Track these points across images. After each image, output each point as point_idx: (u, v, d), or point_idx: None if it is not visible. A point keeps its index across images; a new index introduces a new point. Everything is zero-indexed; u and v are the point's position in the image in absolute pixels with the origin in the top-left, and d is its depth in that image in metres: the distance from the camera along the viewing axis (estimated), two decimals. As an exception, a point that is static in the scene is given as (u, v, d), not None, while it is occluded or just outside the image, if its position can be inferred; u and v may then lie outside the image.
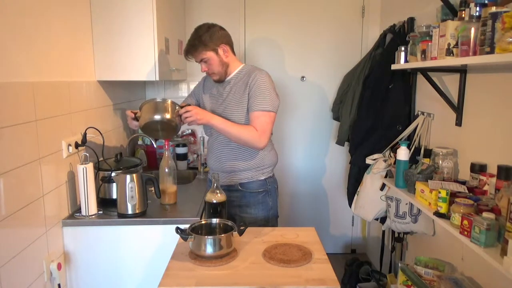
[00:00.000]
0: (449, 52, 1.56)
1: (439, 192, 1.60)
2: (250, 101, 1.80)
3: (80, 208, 1.81)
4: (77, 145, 1.84)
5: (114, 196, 1.93)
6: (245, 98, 1.81)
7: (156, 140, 2.77)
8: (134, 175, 1.81)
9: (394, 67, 2.17)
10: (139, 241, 1.81)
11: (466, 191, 1.62)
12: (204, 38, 1.78)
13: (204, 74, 1.91)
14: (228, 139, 1.85)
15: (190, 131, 3.13)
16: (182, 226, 1.54)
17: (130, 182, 1.80)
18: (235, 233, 1.47)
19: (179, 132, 3.15)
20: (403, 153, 2.00)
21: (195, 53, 1.80)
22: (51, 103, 1.67)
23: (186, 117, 1.74)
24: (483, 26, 1.30)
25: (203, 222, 1.56)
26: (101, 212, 1.86)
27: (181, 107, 1.78)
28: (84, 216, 1.79)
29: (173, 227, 1.53)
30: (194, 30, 1.82)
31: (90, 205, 1.80)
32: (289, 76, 3.13)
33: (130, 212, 1.81)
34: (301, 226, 1.77)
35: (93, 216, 1.81)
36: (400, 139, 2.35)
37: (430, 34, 1.73)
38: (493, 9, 1.26)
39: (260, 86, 1.79)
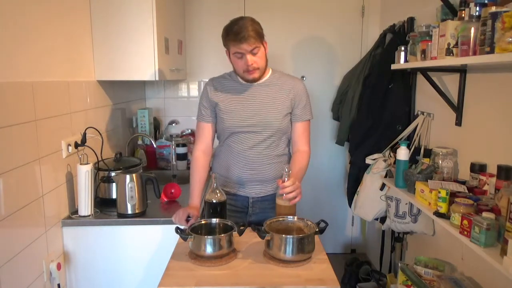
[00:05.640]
0: (449, 52, 1.56)
1: (439, 192, 1.60)
2: (298, 110, 1.77)
3: (77, 209, 1.81)
4: (76, 145, 1.84)
5: (114, 196, 1.93)
6: (285, 102, 1.75)
7: (156, 140, 2.78)
8: (134, 175, 1.81)
9: (394, 67, 2.17)
10: (139, 241, 1.80)
11: (466, 191, 1.62)
12: (259, 28, 1.65)
13: (206, 81, 1.86)
14: (264, 148, 1.76)
15: (190, 131, 3.13)
16: (182, 226, 1.54)
17: (130, 182, 1.80)
18: (235, 233, 1.47)
19: (179, 132, 3.16)
20: (403, 153, 2.00)
21: (251, 41, 1.59)
22: (51, 103, 1.67)
23: (294, 197, 1.57)
24: (483, 26, 1.30)
25: (203, 222, 1.55)
26: (98, 212, 1.86)
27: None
28: (82, 216, 1.79)
29: (173, 227, 1.53)
30: (242, 20, 1.62)
31: (88, 205, 1.79)
32: (289, 76, 3.13)
33: (129, 212, 1.81)
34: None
35: (90, 217, 1.80)
36: (400, 139, 2.34)
37: (430, 34, 1.73)
38: (493, 9, 1.26)
39: (306, 94, 1.80)
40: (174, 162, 2.72)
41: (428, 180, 1.75)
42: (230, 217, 1.61)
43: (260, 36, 1.65)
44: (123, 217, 1.81)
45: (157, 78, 2.13)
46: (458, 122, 1.89)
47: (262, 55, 1.68)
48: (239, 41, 1.59)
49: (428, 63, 1.75)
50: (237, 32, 1.59)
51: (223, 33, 1.66)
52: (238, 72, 1.71)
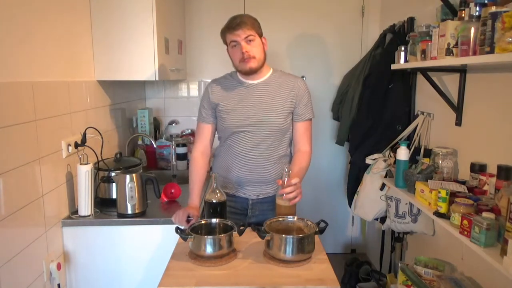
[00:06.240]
0: (449, 52, 1.56)
1: (439, 192, 1.60)
2: (299, 108, 1.77)
3: (77, 209, 1.81)
4: (76, 145, 1.84)
5: (114, 196, 1.93)
6: (286, 101, 1.74)
7: (156, 140, 2.78)
8: (134, 175, 1.81)
9: (394, 67, 2.17)
10: (139, 241, 1.80)
11: (466, 191, 1.62)
12: (256, 21, 1.71)
13: (209, 81, 1.85)
14: (265, 148, 1.76)
15: (190, 131, 3.13)
16: (182, 226, 1.54)
17: (130, 182, 1.80)
18: (235, 233, 1.47)
19: (179, 132, 3.16)
20: (403, 153, 2.00)
21: (246, 28, 1.64)
22: (51, 103, 1.67)
23: (294, 198, 1.57)
24: (483, 26, 1.30)
25: (203, 222, 1.55)
26: (98, 212, 1.86)
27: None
28: (82, 216, 1.79)
29: (172, 227, 1.53)
30: (239, 14, 1.72)
31: (88, 205, 1.79)
32: (289, 76, 3.13)
33: (129, 212, 1.81)
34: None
35: (90, 217, 1.80)
36: (400, 139, 2.34)
37: (430, 34, 1.73)
38: (493, 9, 1.26)
39: (307, 93, 1.79)
40: (174, 162, 2.72)
41: (428, 180, 1.75)
42: (229, 219, 1.61)
43: (255, 26, 1.69)
44: (123, 217, 1.81)
45: (157, 78, 2.13)
46: (458, 122, 1.89)
47: (258, 46, 1.69)
48: (234, 28, 1.65)
49: (428, 63, 1.75)
50: (233, 21, 1.66)
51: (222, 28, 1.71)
52: (235, 64, 1.72)
